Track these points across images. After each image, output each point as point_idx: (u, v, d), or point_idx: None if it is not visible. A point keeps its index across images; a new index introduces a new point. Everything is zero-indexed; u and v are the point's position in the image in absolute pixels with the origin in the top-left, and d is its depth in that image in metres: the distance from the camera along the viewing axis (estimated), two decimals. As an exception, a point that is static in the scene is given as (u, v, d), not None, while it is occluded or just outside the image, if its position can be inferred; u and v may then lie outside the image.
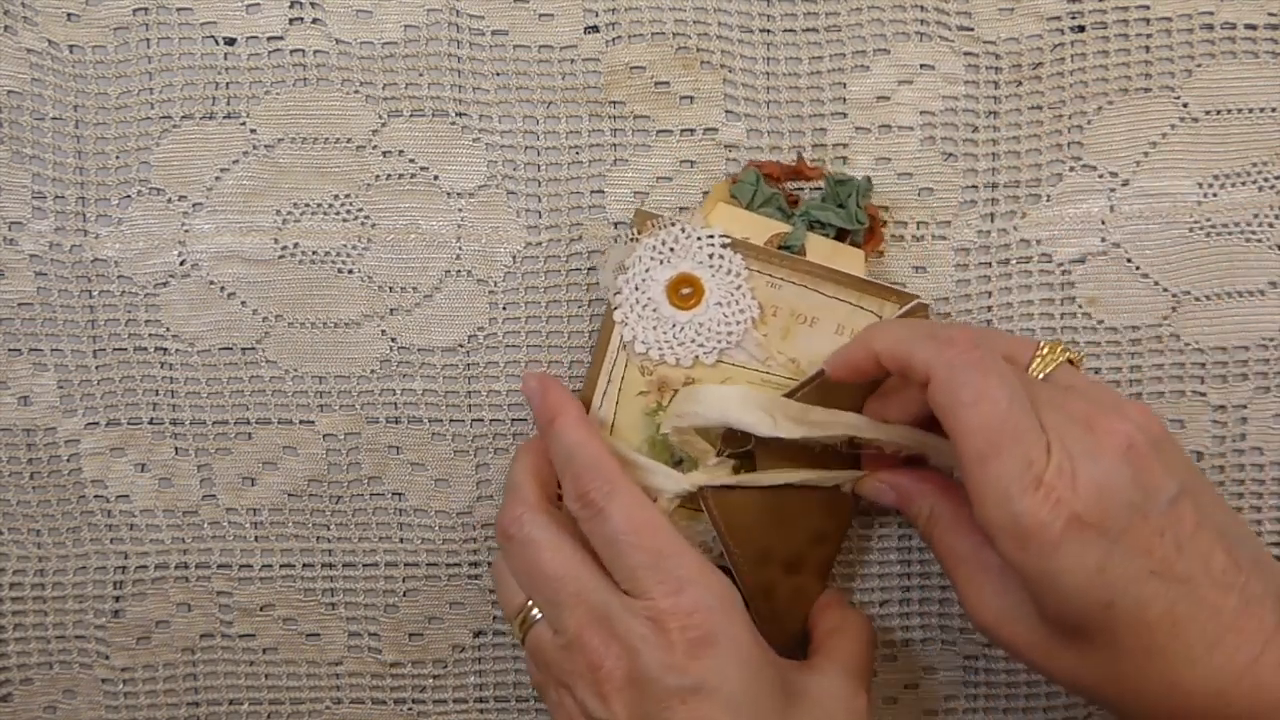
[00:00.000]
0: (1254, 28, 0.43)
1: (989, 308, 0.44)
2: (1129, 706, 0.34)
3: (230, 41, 0.43)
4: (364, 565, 0.46)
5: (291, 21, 0.43)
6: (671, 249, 0.41)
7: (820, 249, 0.42)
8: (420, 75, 0.43)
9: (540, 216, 0.44)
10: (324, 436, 0.45)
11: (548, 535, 0.39)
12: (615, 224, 0.44)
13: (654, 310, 0.41)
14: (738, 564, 0.42)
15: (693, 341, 0.42)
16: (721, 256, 0.41)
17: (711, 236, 0.41)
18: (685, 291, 0.41)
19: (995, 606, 0.37)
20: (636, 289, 0.41)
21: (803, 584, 0.43)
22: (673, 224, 0.41)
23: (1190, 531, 0.33)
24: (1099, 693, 0.35)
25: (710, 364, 0.42)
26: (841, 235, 0.42)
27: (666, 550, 0.38)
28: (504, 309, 0.44)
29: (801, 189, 0.43)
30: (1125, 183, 0.44)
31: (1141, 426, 0.34)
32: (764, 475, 0.41)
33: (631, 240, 0.42)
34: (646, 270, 0.41)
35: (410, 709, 0.47)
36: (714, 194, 0.43)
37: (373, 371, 0.44)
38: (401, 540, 0.46)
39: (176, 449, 0.45)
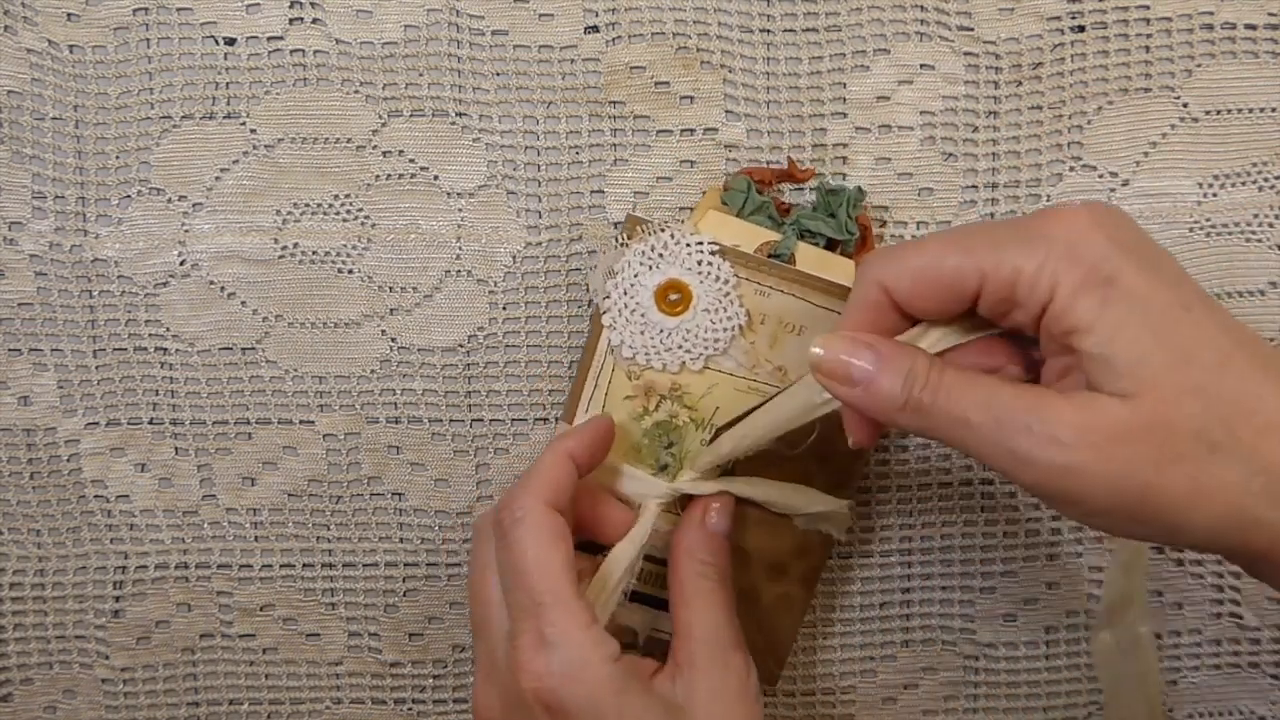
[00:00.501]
0: (1254, 28, 0.43)
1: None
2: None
3: (230, 41, 0.43)
4: (364, 565, 0.46)
5: (291, 21, 0.43)
6: (661, 255, 0.41)
7: (810, 258, 0.42)
8: (420, 75, 0.43)
9: (540, 216, 0.44)
10: (324, 436, 0.45)
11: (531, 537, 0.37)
12: (615, 224, 0.44)
13: (642, 315, 0.41)
14: None
15: (680, 347, 0.42)
16: (710, 263, 0.41)
17: (701, 243, 0.41)
18: (673, 297, 0.41)
19: (1077, 412, 0.31)
20: (625, 294, 0.41)
21: (788, 592, 0.43)
22: (662, 230, 0.41)
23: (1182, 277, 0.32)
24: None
25: (697, 370, 0.42)
26: (832, 245, 0.42)
27: (548, 599, 0.35)
28: (504, 309, 0.44)
29: (800, 189, 0.43)
30: (1125, 183, 0.44)
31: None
32: (741, 483, 0.41)
33: (621, 245, 0.42)
34: (635, 275, 0.41)
35: (410, 709, 0.47)
36: (705, 200, 0.43)
37: (373, 371, 0.44)
38: (401, 540, 0.46)
39: (176, 449, 0.45)
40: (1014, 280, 0.31)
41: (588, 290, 0.44)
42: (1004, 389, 0.32)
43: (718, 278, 0.41)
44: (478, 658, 0.38)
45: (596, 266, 0.42)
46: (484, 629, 0.38)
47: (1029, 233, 0.32)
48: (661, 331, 0.42)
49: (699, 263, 0.41)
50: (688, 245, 0.41)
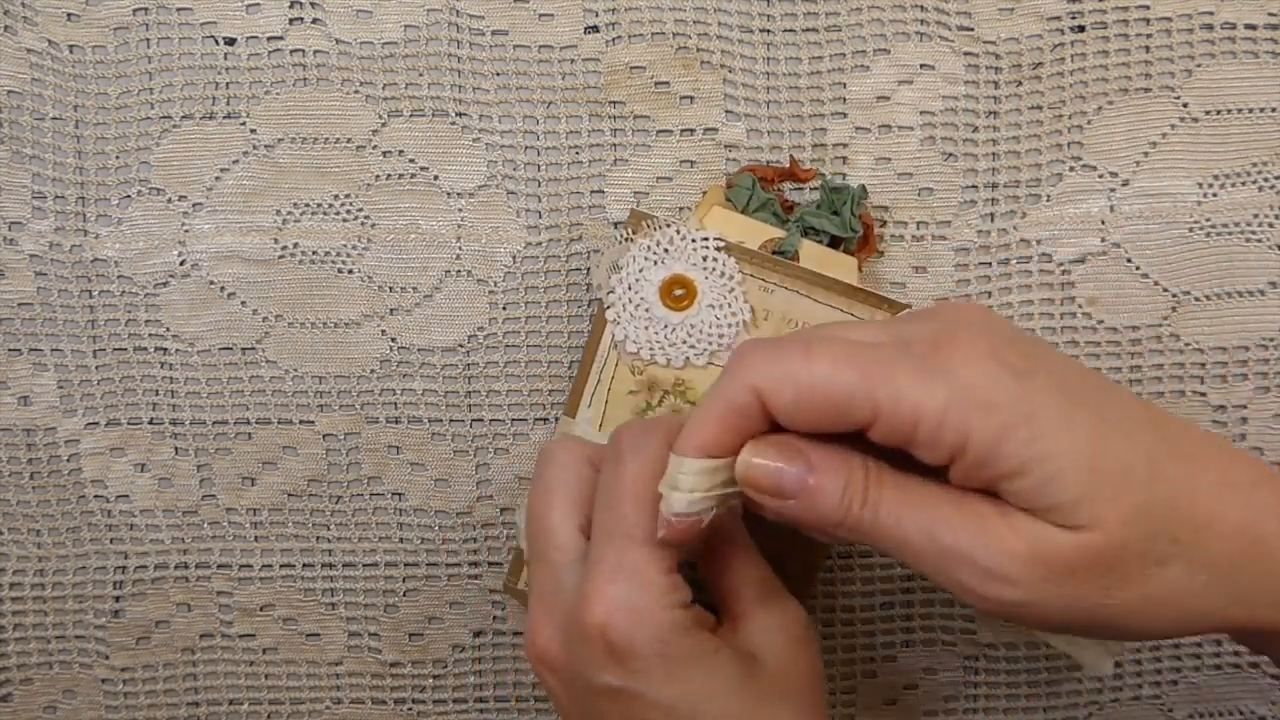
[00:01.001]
0: (1254, 28, 0.43)
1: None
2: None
3: (230, 41, 0.43)
4: (364, 565, 0.46)
5: (291, 21, 0.43)
6: (666, 250, 0.41)
7: (813, 255, 0.42)
8: (420, 75, 0.43)
9: (540, 216, 0.44)
10: (324, 436, 0.45)
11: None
12: (615, 224, 0.44)
13: (646, 310, 0.42)
14: (704, 569, 0.42)
15: (684, 343, 0.42)
16: (715, 259, 0.41)
17: (706, 239, 0.41)
18: (678, 293, 0.41)
19: (1008, 528, 0.30)
20: (629, 289, 0.41)
21: (793, 587, 0.43)
22: (667, 225, 0.41)
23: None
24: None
25: (701, 366, 0.42)
26: (835, 242, 0.42)
27: (637, 533, 0.33)
28: (504, 309, 0.44)
29: (800, 189, 0.44)
30: (1125, 183, 0.44)
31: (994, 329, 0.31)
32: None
33: (626, 240, 0.42)
34: (640, 270, 0.41)
35: (410, 709, 0.47)
36: (709, 197, 0.43)
37: (373, 371, 0.44)
38: (401, 540, 0.46)
39: (176, 449, 0.45)
40: (914, 420, 0.29)
41: (589, 285, 0.44)
42: (944, 507, 0.30)
43: (723, 274, 0.41)
44: (535, 587, 0.35)
45: (600, 261, 0.42)
46: (545, 555, 0.35)
47: (928, 366, 0.30)
48: (666, 327, 0.42)
49: (704, 259, 0.41)
50: (693, 241, 0.41)
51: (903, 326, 0.32)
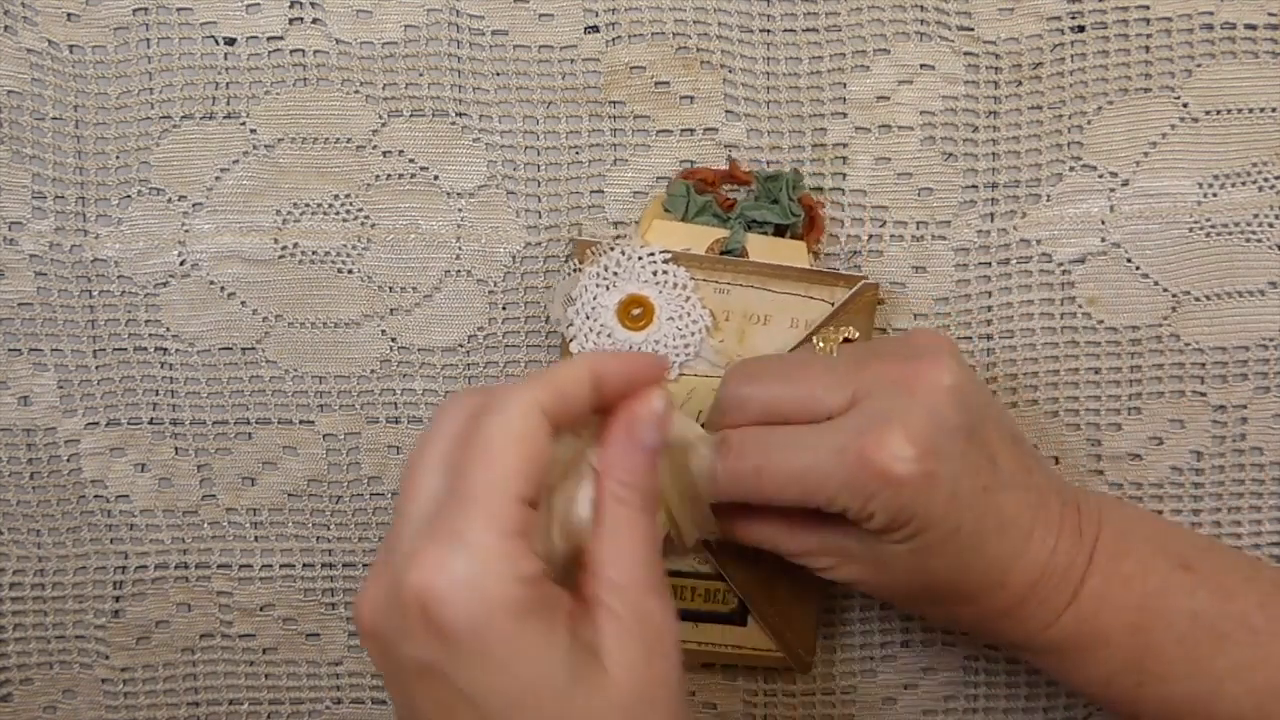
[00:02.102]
0: (1254, 28, 0.43)
1: (989, 308, 0.44)
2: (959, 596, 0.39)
3: (230, 41, 0.43)
4: (364, 565, 0.46)
5: (291, 21, 0.43)
6: (615, 273, 0.42)
7: (762, 247, 0.42)
8: (420, 75, 0.43)
9: (540, 216, 0.44)
10: (324, 436, 0.45)
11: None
12: (615, 224, 0.44)
13: (608, 336, 0.42)
14: (723, 564, 0.42)
15: None
16: (665, 272, 0.41)
17: (653, 254, 0.41)
18: (636, 312, 0.42)
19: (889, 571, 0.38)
20: (587, 318, 0.42)
21: (803, 575, 0.43)
22: (612, 248, 0.42)
23: (996, 445, 0.38)
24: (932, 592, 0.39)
25: (673, 379, 0.42)
26: (781, 231, 0.43)
27: (479, 493, 0.30)
28: (504, 309, 0.44)
29: (735, 191, 0.43)
30: (1125, 183, 0.44)
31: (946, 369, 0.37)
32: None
33: (575, 271, 0.42)
34: (594, 298, 0.42)
35: (410, 709, 0.47)
36: (649, 211, 0.43)
37: (373, 371, 0.44)
38: (401, 540, 0.46)
39: (176, 449, 0.45)
40: (840, 511, 0.36)
41: (546, 320, 0.44)
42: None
43: (675, 285, 0.41)
44: (385, 541, 0.32)
45: (553, 296, 0.42)
46: (401, 508, 0.32)
47: (861, 476, 0.35)
48: (630, 348, 0.42)
49: (654, 274, 0.41)
50: (640, 259, 0.41)
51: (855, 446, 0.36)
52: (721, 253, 0.42)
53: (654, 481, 0.33)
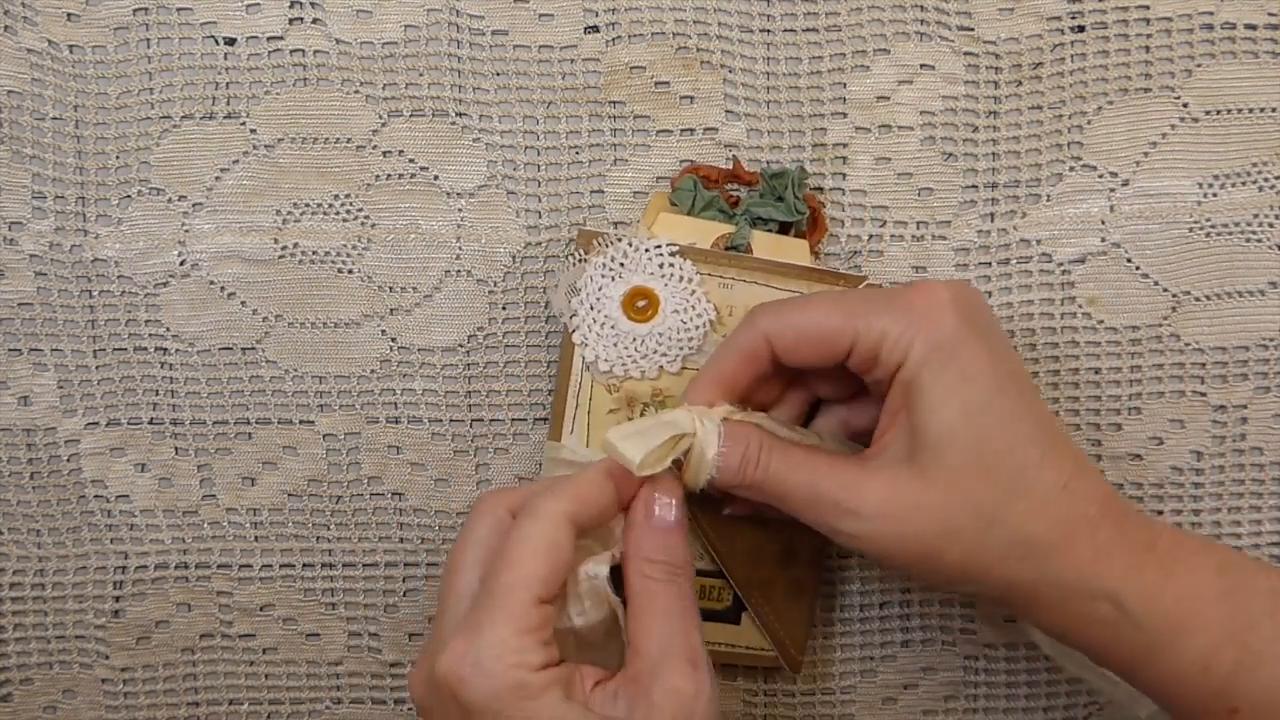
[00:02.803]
0: (1254, 28, 0.43)
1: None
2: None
3: (230, 41, 0.43)
4: (364, 565, 0.46)
5: (291, 21, 0.43)
6: (622, 264, 0.41)
7: (766, 244, 0.42)
8: (420, 75, 0.43)
9: (540, 216, 0.44)
10: (324, 436, 0.45)
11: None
12: (615, 224, 0.44)
13: (612, 327, 0.42)
14: (727, 564, 0.42)
15: (655, 352, 0.42)
16: (672, 265, 0.41)
17: (660, 246, 0.41)
18: (641, 304, 0.42)
19: (884, 485, 0.36)
20: (592, 309, 0.42)
21: (797, 576, 0.43)
22: (619, 239, 0.41)
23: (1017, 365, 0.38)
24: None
25: (675, 372, 0.42)
26: (785, 229, 0.43)
27: (500, 592, 0.34)
28: (504, 309, 0.44)
29: (738, 190, 0.43)
30: (1125, 183, 0.44)
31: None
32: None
33: (580, 261, 0.42)
34: (599, 289, 0.42)
35: (410, 709, 0.47)
36: (654, 204, 0.43)
37: (373, 371, 0.44)
38: (401, 540, 0.46)
39: (176, 449, 0.45)
40: (880, 341, 0.36)
41: (547, 308, 0.44)
42: (822, 469, 0.37)
43: (682, 278, 0.41)
44: (431, 629, 0.38)
45: (557, 286, 0.42)
46: (443, 603, 0.37)
47: (897, 302, 0.37)
48: (634, 340, 0.42)
49: (661, 266, 0.41)
50: (647, 251, 0.41)
51: (896, 288, 0.38)
52: (726, 248, 0.42)
53: (679, 556, 0.37)
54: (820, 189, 0.44)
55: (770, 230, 0.43)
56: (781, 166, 0.43)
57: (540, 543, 0.35)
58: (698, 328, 0.42)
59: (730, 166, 0.43)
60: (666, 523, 0.37)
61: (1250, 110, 0.44)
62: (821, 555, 0.44)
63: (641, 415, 0.42)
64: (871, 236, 0.44)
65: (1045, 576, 0.36)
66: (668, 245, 0.41)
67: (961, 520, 0.36)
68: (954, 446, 0.36)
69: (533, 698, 0.33)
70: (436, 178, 0.44)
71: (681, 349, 0.42)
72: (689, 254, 0.42)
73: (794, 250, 0.42)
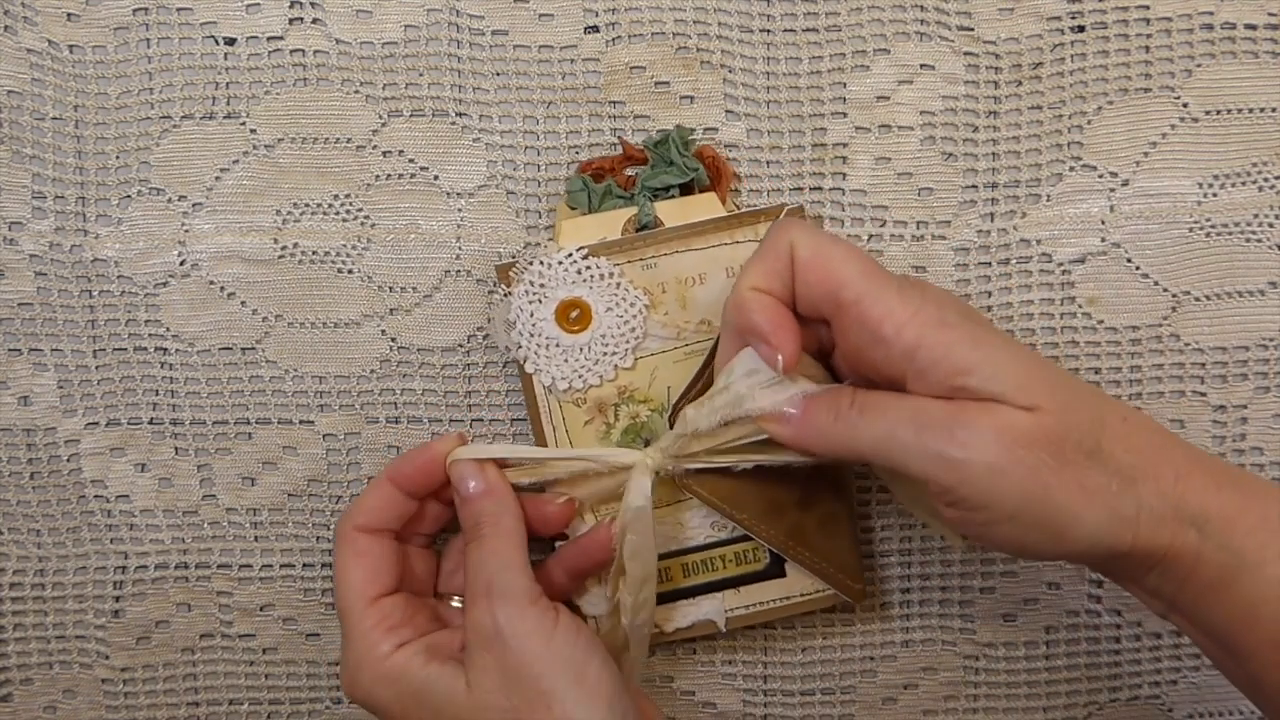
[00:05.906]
0: (1254, 28, 0.43)
1: (989, 308, 0.44)
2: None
3: (230, 41, 0.43)
4: (364, 565, 0.46)
5: (291, 21, 0.43)
6: (542, 285, 0.42)
7: (674, 211, 0.42)
8: (420, 75, 0.43)
9: (540, 217, 0.44)
10: (324, 436, 0.45)
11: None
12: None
13: (557, 345, 0.42)
14: (748, 525, 0.42)
15: (604, 355, 0.42)
16: (589, 267, 0.42)
17: (570, 254, 0.42)
18: (574, 315, 0.42)
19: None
20: (532, 335, 0.42)
21: (827, 511, 0.43)
22: (530, 261, 0.42)
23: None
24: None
25: (630, 366, 0.42)
26: (687, 190, 0.43)
27: (342, 610, 0.40)
28: (504, 309, 0.44)
29: (639, 171, 0.43)
30: (1125, 183, 0.44)
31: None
32: (713, 456, 0.41)
33: (505, 296, 0.42)
34: (531, 314, 0.42)
35: (410, 709, 0.47)
36: (558, 215, 0.43)
37: (373, 371, 0.44)
38: (401, 540, 0.46)
39: (176, 449, 0.45)
40: (883, 316, 0.36)
41: (497, 347, 0.44)
42: (924, 402, 0.36)
43: (602, 276, 0.42)
44: None
45: (494, 326, 0.43)
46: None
47: (907, 283, 0.37)
48: (581, 350, 0.42)
49: (579, 272, 0.42)
50: (560, 263, 0.42)
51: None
52: (638, 229, 0.42)
53: (488, 514, 0.41)
54: (820, 189, 0.44)
55: (673, 197, 0.43)
56: (663, 133, 0.43)
57: (346, 559, 0.41)
58: (635, 316, 0.42)
59: (621, 151, 0.43)
60: (468, 490, 0.41)
61: (1250, 110, 0.44)
62: (845, 485, 0.43)
63: (617, 418, 0.43)
64: (871, 236, 0.44)
65: (1142, 508, 0.35)
66: (576, 251, 0.42)
67: (1070, 453, 0.35)
68: (1036, 391, 0.35)
69: (397, 679, 0.39)
70: (436, 178, 0.44)
71: (628, 343, 0.42)
72: (599, 251, 0.42)
73: (702, 207, 0.42)
